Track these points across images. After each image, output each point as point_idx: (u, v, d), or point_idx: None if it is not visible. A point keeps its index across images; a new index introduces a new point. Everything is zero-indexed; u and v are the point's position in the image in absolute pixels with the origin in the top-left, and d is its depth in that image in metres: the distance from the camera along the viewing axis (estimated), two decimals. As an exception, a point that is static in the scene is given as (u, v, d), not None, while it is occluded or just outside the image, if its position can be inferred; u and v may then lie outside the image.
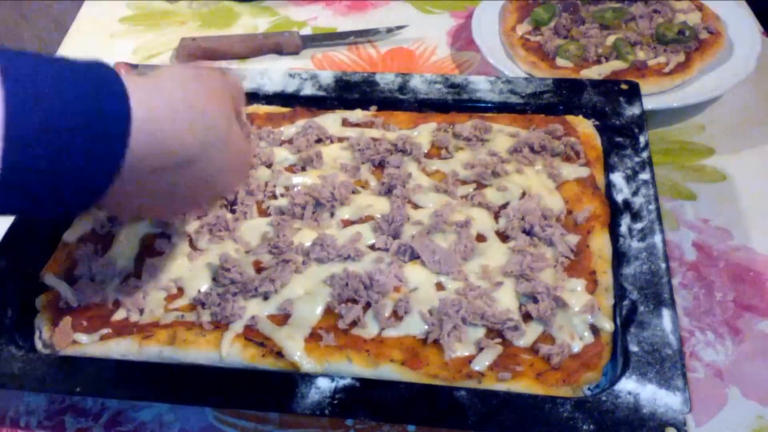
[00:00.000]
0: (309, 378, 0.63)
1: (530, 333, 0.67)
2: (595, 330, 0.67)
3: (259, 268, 0.74)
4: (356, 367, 0.65)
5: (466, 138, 0.87)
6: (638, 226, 0.74)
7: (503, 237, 0.76)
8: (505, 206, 0.79)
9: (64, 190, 0.49)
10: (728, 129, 0.98)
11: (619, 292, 0.69)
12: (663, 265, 0.70)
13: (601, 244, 0.74)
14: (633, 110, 0.87)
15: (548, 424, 0.59)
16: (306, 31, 1.23)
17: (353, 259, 0.74)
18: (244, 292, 0.71)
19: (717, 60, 1.03)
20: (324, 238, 0.75)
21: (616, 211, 0.77)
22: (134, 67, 0.96)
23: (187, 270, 0.75)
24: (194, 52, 1.15)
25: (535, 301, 0.69)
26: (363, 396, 0.62)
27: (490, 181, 0.82)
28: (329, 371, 0.65)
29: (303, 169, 0.85)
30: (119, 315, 0.71)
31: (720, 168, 0.93)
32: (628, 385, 0.61)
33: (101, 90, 0.49)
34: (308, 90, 0.94)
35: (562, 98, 0.90)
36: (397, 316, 0.69)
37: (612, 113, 0.87)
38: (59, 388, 0.65)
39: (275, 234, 0.77)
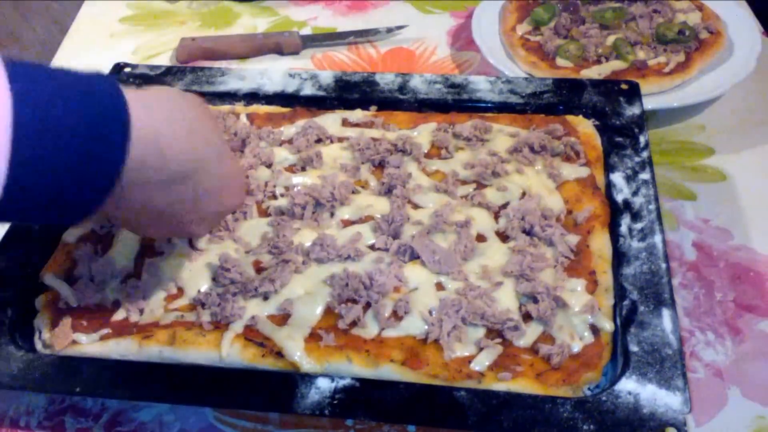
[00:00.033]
0: (309, 378, 0.63)
1: (530, 333, 0.67)
2: (595, 330, 0.67)
3: (259, 268, 0.74)
4: (356, 367, 0.65)
5: (466, 138, 0.87)
6: (638, 226, 0.74)
7: (503, 237, 0.76)
8: (505, 206, 0.79)
9: (65, 194, 0.49)
10: (728, 129, 0.98)
11: (619, 292, 0.69)
12: (663, 265, 0.70)
13: (601, 244, 0.74)
14: (633, 110, 0.87)
15: (548, 424, 0.59)
16: (306, 31, 1.23)
17: (353, 259, 0.74)
18: (244, 292, 0.71)
19: (717, 60, 1.03)
20: (324, 238, 0.75)
21: (616, 211, 0.77)
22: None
23: (187, 270, 0.75)
24: (194, 52, 1.15)
25: (535, 301, 0.69)
26: (363, 396, 0.62)
27: (490, 181, 0.82)
28: (329, 371, 0.65)
29: (303, 169, 0.85)
30: (119, 315, 0.71)
31: (720, 168, 0.93)
32: (628, 385, 0.61)
33: (103, 96, 0.50)
34: (308, 90, 0.94)
35: (562, 98, 0.90)
36: (397, 316, 0.69)
37: (612, 113, 0.87)
38: (59, 388, 0.65)
39: (275, 234, 0.77)
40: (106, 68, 0.97)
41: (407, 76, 0.94)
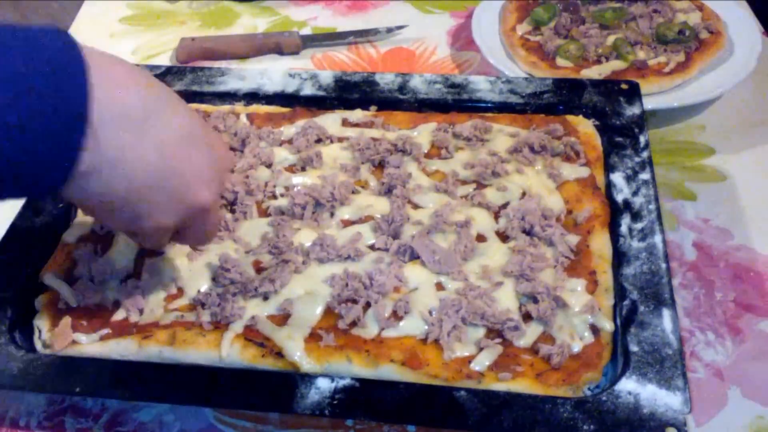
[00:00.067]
0: (309, 378, 0.63)
1: (530, 333, 0.67)
2: (595, 330, 0.67)
3: (258, 269, 0.74)
4: (356, 367, 0.65)
5: (466, 138, 0.87)
6: (638, 226, 0.74)
7: (503, 237, 0.76)
8: (505, 206, 0.79)
9: (29, 152, 0.48)
10: (728, 129, 0.98)
11: (620, 292, 0.69)
12: (663, 265, 0.70)
13: (601, 244, 0.74)
14: (633, 110, 0.87)
15: (548, 424, 0.59)
16: (306, 31, 1.23)
17: (353, 259, 0.74)
18: (244, 293, 0.71)
19: (717, 60, 1.03)
20: (324, 238, 0.75)
21: (616, 211, 0.77)
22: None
23: (187, 270, 0.75)
24: (194, 52, 1.15)
25: (535, 301, 0.69)
26: (363, 396, 0.62)
27: (490, 181, 0.82)
28: (329, 371, 0.65)
29: (303, 169, 0.85)
30: (119, 315, 0.71)
31: (720, 168, 0.93)
32: (628, 385, 0.61)
33: (59, 51, 0.49)
34: (308, 90, 0.94)
35: (562, 98, 0.90)
36: (396, 316, 0.69)
37: (612, 113, 0.87)
38: (59, 388, 0.65)
39: (275, 234, 0.77)
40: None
41: (407, 76, 0.94)
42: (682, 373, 0.61)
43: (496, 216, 0.78)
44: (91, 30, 1.25)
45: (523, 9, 1.14)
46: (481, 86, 0.92)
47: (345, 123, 0.91)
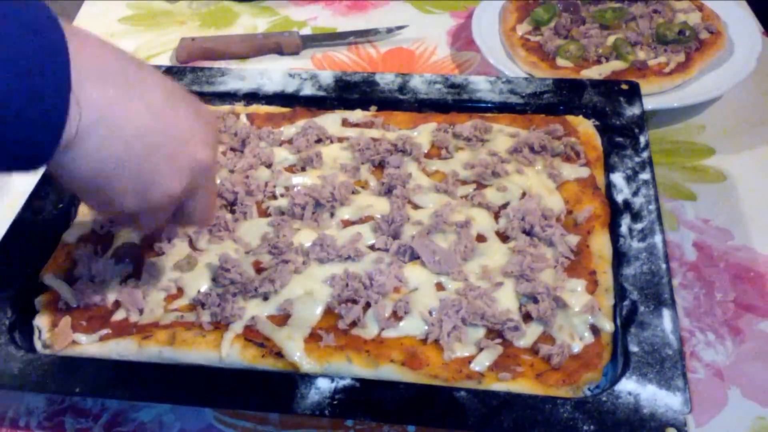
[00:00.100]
0: (309, 378, 0.63)
1: (530, 333, 0.67)
2: (595, 330, 0.67)
3: (258, 269, 0.74)
4: (356, 367, 0.65)
5: (466, 138, 0.87)
6: (638, 226, 0.74)
7: (503, 237, 0.76)
8: (505, 206, 0.79)
9: (13, 116, 0.47)
10: (728, 129, 0.98)
11: (620, 293, 0.69)
12: (663, 266, 0.70)
13: (601, 244, 0.74)
14: (633, 110, 0.87)
15: (548, 424, 0.59)
16: (306, 31, 1.23)
17: (353, 259, 0.74)
18: (244, 293, 0.71)
19: (717, 60, 1.03)
20: (324, 238, 0.75)
21: (616, 211, 0.77)
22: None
23: (187, 270, 0.74)
24: (194, 52, 1.15)
25: (535, 301, 0.69)
26: (363, 396, 0.62)
27: (490, 181, 0.82)
28: (329, 371, 0.65)
29: (303, 169, 0.85)
30: (119, 315, 0.71)
31: (720, 168, 0.93)
32: (628, 385, 0.61)
33: (41, 25, 0.49)
34: (308, 90, 0.94)
35: (562, 98, 0.90)
36: (396, 316, 0.69)
37: (612, 113, 0.87)
38: (59, 388, 0.65)
39: (275, 234, 0.77)
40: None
41: (407, 76, 0.94)
42: (682, 373, 0.61)
43: (496, 216, 0.78)
44: (91, 30, 1.24)
45: (523, 9, 1.14)
46: (481, 86, 0.92)
47: (345, 123, 0.91)
